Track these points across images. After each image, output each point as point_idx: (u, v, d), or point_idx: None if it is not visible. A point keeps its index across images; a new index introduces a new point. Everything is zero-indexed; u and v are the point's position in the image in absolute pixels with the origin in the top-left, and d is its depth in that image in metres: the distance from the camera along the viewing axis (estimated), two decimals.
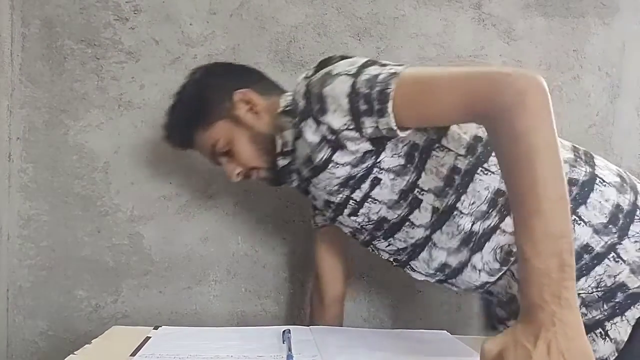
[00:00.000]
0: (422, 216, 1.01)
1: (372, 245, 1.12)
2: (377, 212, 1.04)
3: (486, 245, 0.98)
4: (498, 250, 0.98)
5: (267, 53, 1.51)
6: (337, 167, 1.00)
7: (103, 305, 1.49)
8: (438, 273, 1.05)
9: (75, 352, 0.87)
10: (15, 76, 1.46)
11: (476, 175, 0.98)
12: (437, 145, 0.99)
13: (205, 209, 1.51)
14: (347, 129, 0.94)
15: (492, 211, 0.97)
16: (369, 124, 0.92)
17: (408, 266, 1.08)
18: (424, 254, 1.04)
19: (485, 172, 0.98)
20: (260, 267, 1.54)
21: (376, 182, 1.01)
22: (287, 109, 1.06)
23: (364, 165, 1.00)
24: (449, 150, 0.99)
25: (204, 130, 1.16)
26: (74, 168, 1.48)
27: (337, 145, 0.97)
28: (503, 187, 0.96)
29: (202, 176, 1.51)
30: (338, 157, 0.99)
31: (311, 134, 0.98)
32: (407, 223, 1.02)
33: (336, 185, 1.03)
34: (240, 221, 1.52)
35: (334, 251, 1.30)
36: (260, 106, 1.13)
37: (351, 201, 1.05)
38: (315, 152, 1.00)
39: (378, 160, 0.99)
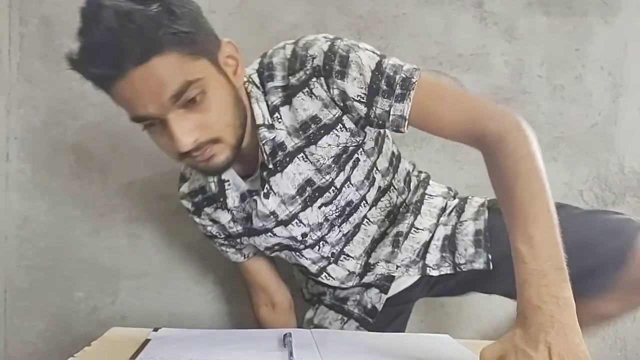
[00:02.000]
0: (371, 195, 1.09)
1: (317, 247, 1.11)
2: (347, 196, 1.05)
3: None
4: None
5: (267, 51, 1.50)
6: (342, 131, 0.98)
7: (101, 307, 1.49)
8: (363, 258, 1.12)
9: (74, 355, 0.86)
10: (13, 75, 1.45)
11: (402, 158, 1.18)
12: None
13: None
14: (359, 100, 0.93)
15: (405, 186, 1.17)
16: (381, 105, 0.92)
17: (339, 260, 1.12)
18: (360, 234, 1.11)
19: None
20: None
21: (356, 162, 1.03)
22: (277, 70, 0.98)
23: (355, 140, 1.00)
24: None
25: (181, 57, 0.82)
26: (72, 168, 1.47)
27: (344, 110, 0.97)
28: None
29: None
30: (345, 120, 0.98)
31: (322, 92, 0.95)
32: (363, 202, 1.08)
33: (332, 156, 0.99)
34: None
35: (269, 264, 1.26)
36: (240, 67, 0.94)
37: (332, 187, 1.03)
38: (328, 109, 0.96)
39: (363, 140, 1.02)
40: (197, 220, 1.17)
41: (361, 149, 1.02)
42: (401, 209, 1.14)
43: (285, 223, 1.06)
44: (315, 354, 0.87)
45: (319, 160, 0.99)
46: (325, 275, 1.14)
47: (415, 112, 0.92)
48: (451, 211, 1.13)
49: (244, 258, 1.22)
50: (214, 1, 1.48)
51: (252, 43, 1.49)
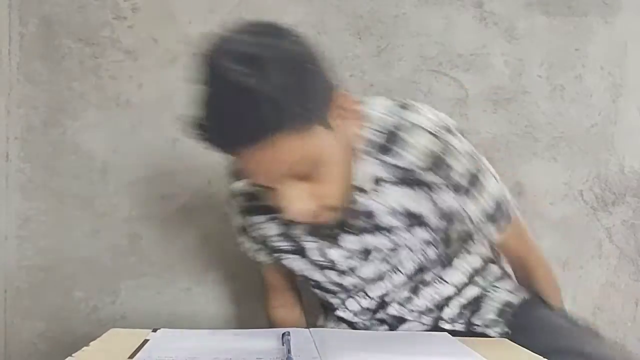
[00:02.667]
0: None
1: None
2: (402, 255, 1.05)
3: None
4: None
5: None
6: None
7: (101, 307, 1.49)
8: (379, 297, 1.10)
9: (73, 355, 0.86)
10: (13, 75, 1.45)
11: None
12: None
13: (205, 209, 1.50)
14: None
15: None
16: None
17: (357, 296, 1.10)
18: (387, 279, 1.08)
19: None
20: (261, 268, 1.53)
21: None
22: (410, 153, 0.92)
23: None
24: None
25: (299, 133, 0.76)
26: (72, 168, 1.47)
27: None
28: None
29: (201, 176, 1.50)
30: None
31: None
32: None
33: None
34: None
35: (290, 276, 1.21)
36: (352, 117, 0.87)
37: (393, 248, 1.03)
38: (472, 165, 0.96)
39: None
40: (238, 218, 1.13)
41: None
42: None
43: (341, 272, 1.06)
44: (313, 353, 0.87)
45: (393, 241, 1.01)
46: (342, 308, 1.13)
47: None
48: (488, 275, 1.13)
49: (272, 261, 1.15)
50: (213, 1, 1.48)
51: None
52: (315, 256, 1.04)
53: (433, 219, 0.99)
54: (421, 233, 1.00)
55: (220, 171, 1.48)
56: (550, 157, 1.60)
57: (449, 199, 0.96)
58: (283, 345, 0.90)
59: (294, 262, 1.08)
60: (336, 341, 0.96)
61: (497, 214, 1.02)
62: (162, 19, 1.47)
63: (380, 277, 1.07)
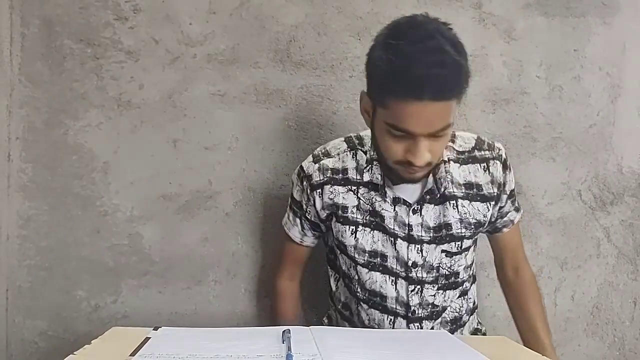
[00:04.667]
0: (467, 284, 1.31)
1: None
2: (459, 263, 1.24)
3: None
4: None
5: (267, 52, 1.51)
6: (492, 208, 1.22)
7: (102, 306, 1.49)
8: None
9: (74, 353, 0.87)
10: (14, 76, 1.46)
11: None
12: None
13: (205, 209, 1.51)
14: (507, 195, 1.24)
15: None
16: (508, 208, 1.27)
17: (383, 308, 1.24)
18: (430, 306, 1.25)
19: None
20: (260, 267, 1.53)
21: (475, 243, 1.29)
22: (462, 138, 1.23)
23: (487, 226, 1.26)
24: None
25: (455, 105, 1.00)
26: (74, 168, 1.48)
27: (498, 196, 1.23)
28: None
29: (202, 176, 1.50)
30: (496, 203, 1.23)
31: (497, 173, 1.21)
32: (462, 284, 1.29)
33: (476, 220, 1.20)
34: (240, 221, 1.52)
35: (309, 253, 1.36)
36: None
37: (459, 243, 1.21)
38: (492, 186, 1.21)
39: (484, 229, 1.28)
40: (308, 192, 1.23)
41: (478, 236, 1.26)
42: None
43: (411, 240, 1.17)
44: (313, 350, 0.88)
45: (465, 214, 1.18)
46: (388, 289, 1.21)
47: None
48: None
49: (300, 242, 1.31)
50: (214, 2, 1.49)
51: (252, 44, 1.51)
52: (392, 224, 1.17)
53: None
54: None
55: (220, 170, 1.50)
56: (549, 157, 1.61)
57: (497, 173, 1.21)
58: (283, 343, 0.91)
59: (367, 235, 1.19)
60: (336, 339, 0.97)
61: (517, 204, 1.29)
62: (163, 20, 1.48)
63: (437, 270, 1.20)
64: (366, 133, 1.22)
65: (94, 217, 1.48)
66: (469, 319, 1.32)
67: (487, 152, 1.20)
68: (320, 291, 1.53)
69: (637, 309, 1.66)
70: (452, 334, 1.22)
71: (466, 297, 1.29)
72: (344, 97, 1.53)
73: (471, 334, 1.34)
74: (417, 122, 0.98)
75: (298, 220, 1.28)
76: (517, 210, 1.29)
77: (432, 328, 1.23)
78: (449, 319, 1.25)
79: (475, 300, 1.35)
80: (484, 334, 1.37)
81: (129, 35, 1.47)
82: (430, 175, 1.14)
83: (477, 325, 1.38)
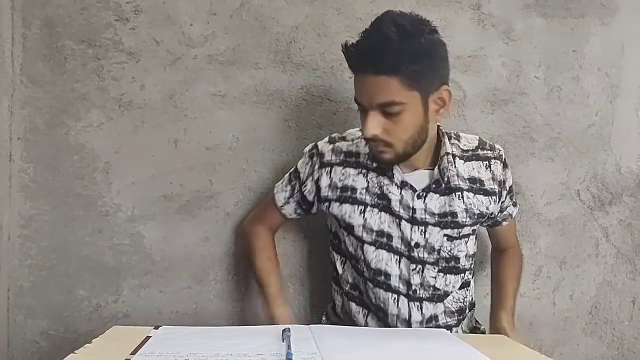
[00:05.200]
0: (467, 275, 1.37)
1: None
2: (459, 248, 1.30)
3: None
4: None
5: (267, 53, 1.51)
6: (494, 203, 1.31)
7: (104, 305, 1.50)
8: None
9: (75, 351, 0.87)
10: (16, 76, 1.46)
11: None
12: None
13: (205, 209, 1.52)
14: (507, 192, 1.35)
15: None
16: (507, 203, 1.37)
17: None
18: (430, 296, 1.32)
19: None
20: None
21: (475, 235, 1.35)
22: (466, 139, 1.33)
23: (489, 220, 1.37)
24: None
25: (399, 84, 1.10)
26: (75, 168, 1.48)
27: (499, 192, 1.33)
28: None
29: (202, 176, 1.51)
30: (497, 199, 1.32)
31: (498, 171, 1.32)
32: (462, 274, 1.35)
33: (479, 212, 1.28)
34: (240, 221, 1.52)
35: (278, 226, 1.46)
36: (444, 109, 1.19)
37: (460, 229, 1.28)
38: (493, 182, 1.30)
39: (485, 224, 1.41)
40: (316, 168, 1.31)
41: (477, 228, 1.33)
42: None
43: (414, 222, 1.25)
44: (313, 348, 0.89)
45: (470, 205, 1.26)
46: (392, 267, 1.26)
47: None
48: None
49: (280, 206, 1.39)
50: (215, 3, 1.49)
51: (252, 45, 1.51)
52: (397, 207, 1.25)
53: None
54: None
55: (221, 170, 1.51)
56: (548, 157, 1.62)
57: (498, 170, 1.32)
58: (283, 341, 0.92)
59: (375, 216, 1.26)
60: (336, 337, 0.97)
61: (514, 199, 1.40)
62: (164, 21, 1.49)
63: (438, 252, 1.26)
64: None
65: (95, 217, 1.49)
66: (469, 314, 1.36)
67: (489, 152, 1.31)
68: (320, 291, 1.54)
69: (636, 309, 1.67)
70: (458, 325, 1.29)
71: (468, 288, 1.35)
72: (344, 98, 1.54)
73: (470, 331, 1.36)
74: (362, 94, 1.14)
75: (289, 188, 1.37)
76: (514, 205, 1.40)
77: (437, 317, 1.27)
78: (454, 309, 1.29)
79: (473, 297, 1.39)
80: (483, 332, 1.38)
81: (130, 36, 1.48)
82: (436, 167, 1.24)
83: (475, 323, 1.40)
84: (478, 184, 1.28)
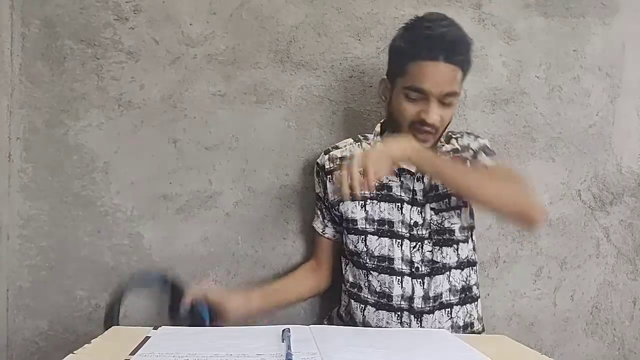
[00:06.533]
0: (463, 251, 1.36)
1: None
2: (452, 221, 1.32)
3: None
4: None
5: (267, 53, 1.51)
6: None
7: (103, 305, 1.49)
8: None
9: (74, 352, 0.87)
10: (15, 76, 1.46)
11: None
12: None
13: (205, 209, 1.51)
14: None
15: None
16: None
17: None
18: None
19: None
20: (260, 267, 1.54)
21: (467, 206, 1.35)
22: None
23: None
24: None
25: (460, 75, 1.21)
26: (74, 168, 1.48)
27: None
28: None
29: (202, 176, 1.51)
30: None
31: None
32: (454, 246, 1.34)
33: None
34: (240, 221, 1.52)
35: (332, 250, 1.45)
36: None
37: (446, 200, 1.31)
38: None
39: None
40: (324, 180, 1.39)
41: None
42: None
43: (414, 203, 1.30)
44: (313, 349, 0.88)
45: None
46: (396, 249, 1.29)
47: None
48: None
49: (322, 232, 1.43)
50: (214, 2, 1.49)
51: (252, 44, 1.51)
52: (398, 191, 1.30)
53: None
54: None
55: (221, 171, 1.50)
56: (549, 157, 1.61)
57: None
58: (283, 342, 0.91)
59: (375, 206, 1.31)
60: (336, 338, 0.97)
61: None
62: (164, 21, 1.48)
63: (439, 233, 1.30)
64: (370, 134, 1.39)
65: (94, 217, 1.49)
66: (469, 307, 1.34)
67: (457, 134, 1.37)
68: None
69: (637, 309, 1.66)
70: (461, 305, 1.31)
71: (474, 268, 1.35)
72: (344, 98, 1.53)
73: (465, 327, 1.34)
74: (431, 81, 1.18)
75: (319, 212, 1.43)
76: (493, 160, 1.33)
77: (442, 295, 1.29)
78: (458, 288, 1.30)
79: (478, 285, 1.37)
80: (479, 332, 1.37)
81: (129, 35, 1.48)
82: None
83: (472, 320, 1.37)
84: (457, 154, 1.32)
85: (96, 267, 1.49)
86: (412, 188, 1.30)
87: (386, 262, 1.30)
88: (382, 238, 1.30)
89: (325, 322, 1.45)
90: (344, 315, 1.38)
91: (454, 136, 1.36)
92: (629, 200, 1.65)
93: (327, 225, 1.42)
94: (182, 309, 1.17)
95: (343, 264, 1.40)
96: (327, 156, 1.39)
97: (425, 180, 1.30)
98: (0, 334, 1.46)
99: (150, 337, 0.97)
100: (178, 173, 1.51)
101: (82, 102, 1.47)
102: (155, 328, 1.03)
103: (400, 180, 1.30)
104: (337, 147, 1.40)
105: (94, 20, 1.47)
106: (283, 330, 0.96)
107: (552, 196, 1.62)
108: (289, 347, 0.86)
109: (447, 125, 1.25)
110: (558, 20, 1.60)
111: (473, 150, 1.33)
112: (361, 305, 1.32)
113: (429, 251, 1.28)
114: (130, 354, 0.86)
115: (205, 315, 1.17)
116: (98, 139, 1.48)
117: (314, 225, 1.45)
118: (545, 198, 1.61)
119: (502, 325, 1.60)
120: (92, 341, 0.94)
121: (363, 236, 1.32)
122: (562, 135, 1.61)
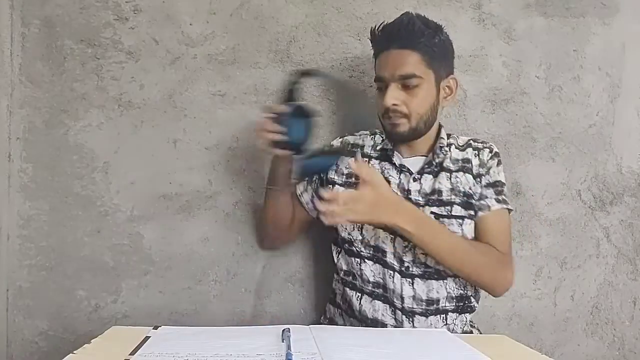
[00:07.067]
0: None
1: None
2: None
3: None
4: None
5: (267, 53, 1.51)
6: (476, 186, 1.32)
7: (103, 305, 1.49)
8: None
9: (74, 352, 0.87)
10: (15, 76, 1.46)
11: None
12: None
13: (205, 209, 1.51)
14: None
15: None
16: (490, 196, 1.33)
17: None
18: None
19: None
20: (260, 267, 1.54)
21: (470, 218, 1.31)
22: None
23: (476, 203, 1.32)
24: None
25: (420, 60, 1.25)
26: (74, 168, 1.48)
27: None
28: None
29: (202, 176, 1.51)
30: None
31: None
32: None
33: (464, 191, 1.30)
34: (240, 221, 1.52)
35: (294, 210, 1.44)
36: (451, 98, 1.33)
37: (448, 207, 1.29)
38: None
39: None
40: None
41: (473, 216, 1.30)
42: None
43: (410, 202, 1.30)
44: (313, 349, 0.88)
45: (456, 184, 1.30)
46: (388, 245, 1.30)
47: None
48: None
49: (299, 194, 1.43)
50: (214, 2, 1.49)
51: (252, 44, 1.51)
52: (395, 190, 1.31)
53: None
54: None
55: (221, 171, 1.50)
56: (549, 157, 1.61)
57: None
58: (283, 341, 0.91)
59: None
60: (335, 338, 0.97)
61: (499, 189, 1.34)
62: (164, 21, 1.48)
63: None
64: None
65: (94, 217, 1.49)
66: (467, 317, 1.34)
67: (480, 144, 1.36)
68: (320, 291, 1.53)
69: (637, 309, 1.66)
70: (458, 313, 1.30)
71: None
72: (344, 97, 1.53)
73: (471, 333, 1.35)
74: (385, 67, 1.27)
75: (309, 180, 1.43)
76: (498, 202, 1.31)
77: (438, 301, 1.28)
78: (454, 295, 1.29)
79: (478, 294, 1.35)
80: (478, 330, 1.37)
81: (129, 35, 1.48)
82: (431, 153, 1.33)
83: (471, 327, 1.38)
84: (467, 165, 1.32)
85: (96, 267, 1.49)
86: (407, 188, 1.31)
87: (380, 254, 1.30)
88: (377, 229, 1.30)
89: (322, 318, 1.44)
90: (341, 303, 1.38)
91: (474, 144, 1.36)
92: (629, 200, 1.65)
93: (306, 191, 1.42)
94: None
95: (334, 253, 1.39)
96: (340, 139, 1.44)
97: (423, 181, 1.31)
98: (0, 334, 1.46)
99: (150, 337, 0.97)
100: (178, 173, 1.51)
101: (82, 102, 1.47)
102: (155, 328, 1.03)
103: (399, 178, 1.32)
104: (351, 134, 1.45)
105: (94, 20, 1.47)
106: (283, 330, 0.96)
107: (552, 196, 1.62)
108: (289, 347, 0.86)
109: (425, 111, 1.27)
110: (558, 20, 1.60)
111: (491, 178, 1.31)
112: (357, 293, 1.32)
113: (423, 254, 1.26)
114: (130, 354, 0.86)
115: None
116: (98, 139, 1.48)
117: (296, 187, 1.43)
118: (545, 198, 1.61)
119: (502, 325, 1.60)
120: (92, 341, 0.94)
121: (359, 224, 1.32)
122: (562, 135, 1.61)
